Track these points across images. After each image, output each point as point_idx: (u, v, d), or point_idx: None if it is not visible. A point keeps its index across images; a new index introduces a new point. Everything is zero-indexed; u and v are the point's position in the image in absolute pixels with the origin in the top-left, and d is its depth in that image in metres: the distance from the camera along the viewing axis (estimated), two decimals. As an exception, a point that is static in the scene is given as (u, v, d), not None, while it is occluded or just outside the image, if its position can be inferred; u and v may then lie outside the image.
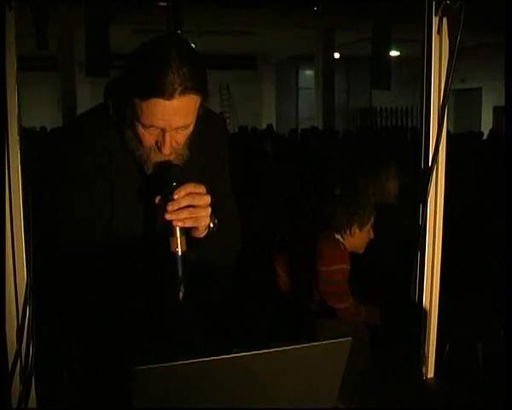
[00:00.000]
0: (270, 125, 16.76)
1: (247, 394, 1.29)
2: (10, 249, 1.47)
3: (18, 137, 1.45)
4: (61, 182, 1.78)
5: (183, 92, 1.57)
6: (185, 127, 1.67)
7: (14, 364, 1.48)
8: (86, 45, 12.38)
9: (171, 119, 1.61)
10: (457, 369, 2.11)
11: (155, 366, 1.17)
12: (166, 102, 1.57)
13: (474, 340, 2.24)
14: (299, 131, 14.49)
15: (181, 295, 1.72)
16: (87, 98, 18.85)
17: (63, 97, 15.29)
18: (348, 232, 3.24)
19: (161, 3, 12.34)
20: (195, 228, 1.68)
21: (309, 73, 21.57)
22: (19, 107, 1.46)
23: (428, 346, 2.05)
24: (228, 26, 15.39)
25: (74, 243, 1.75)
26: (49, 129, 13.09)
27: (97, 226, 1.76)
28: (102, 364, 1.79)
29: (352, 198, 3.33)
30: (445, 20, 1.88)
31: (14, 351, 1.48)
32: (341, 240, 3.24)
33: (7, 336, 1.46)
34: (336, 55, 18.16)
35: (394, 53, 16.68)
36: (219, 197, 1.72)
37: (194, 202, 1.64)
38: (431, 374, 2.07)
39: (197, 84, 1.61)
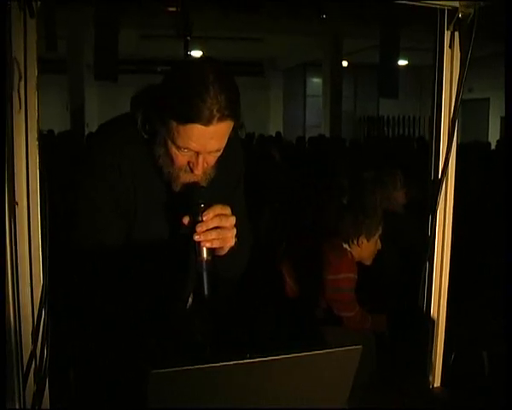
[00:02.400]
0: (278, 133, 16.78)
1: (257, 399, 1.31)
2: (27, 252, 1.49)
3: (37, 142, 1.47)
4: (81, 189, 1.80)
5: (220, 119, 1.59)
6: (218, 150, 1.70)
7: (29, 365, 1.50)
8: (95, 50, 12.40)
9: (207, 143, 1.63)
10: (463, 377, 2.12)
11: (170, 369, 1.19)
12: (204, 128, 1.59)
13: (480, 347, 2.26)
14: (307, 138, 14.48)
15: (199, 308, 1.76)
16: (95, 101, 18.90)
17: (71, 100, 15.29)
18: (355, 242, 3.25)
19: (170, 9, 12.36)
20: (220, 248, 1.70)
21: (316, 80, 21.53)
22: (38, 112, 1.48)
23: (435, 355, 2.07)
24: (236, 33, 15.41)
25: (89, 248, 1.76)
26: (56, 132, 13.11)
27: (115, 234, 1.78)
28: (113, 366, 1.81)
29: (360, 208, 3.34)
30: (456, 33, 1.90)
31: (28, 352, 1.50)
32: (349, 249, 3.26)
33: (22, 337, 1.48)
34: (344, 63, 18.16)
35: (402, 62, 16.66)
36: (235, 213, 1.73)
37: (222, 224, 1.66)
38: (437, 383, 2.08)
39: (233, 111, 1.62)
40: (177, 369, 1.19)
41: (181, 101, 1.59)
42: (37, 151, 1.47)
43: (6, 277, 1.43)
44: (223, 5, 12.95)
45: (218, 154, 1.72)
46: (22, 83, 1.44)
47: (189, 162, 1.69)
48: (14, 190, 1.44)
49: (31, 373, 1.50)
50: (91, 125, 14.72)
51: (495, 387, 2.10)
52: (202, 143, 1.63)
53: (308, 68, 22.37)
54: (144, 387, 1.18)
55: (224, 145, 1.70)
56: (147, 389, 1.18)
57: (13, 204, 1.43)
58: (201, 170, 1.69)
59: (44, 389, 1.54)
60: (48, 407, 1.56)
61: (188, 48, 12.47)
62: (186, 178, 1.72)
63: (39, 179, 1.48)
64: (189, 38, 11.18)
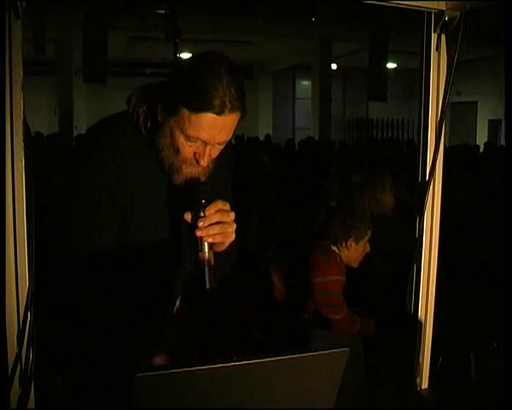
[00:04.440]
0: (267, 135, 16.81)
1: (244, 402, 1.31)
2: (13, 254, 1.48)
3: (22, 144, 1.46)
4: (77, 192, 1.78)
5: (231, 110, 1.63)
6: (225, 143, 1.73)
7: (14, 368, 1.49)
8: (84, 52, 12.38)
9: (217, 133, 1.66)
10: (451, 379, 2.13)
11: (155, 372, 1.18)
12: (216, 118, 1.63)
13: (467, 351, 2.27)
14: (296, 141, 14.49)
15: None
16: (83, 103, 18.86)
17: (60, 103, 15.22)
18: (344, 245, 3.25)
19: (159, 11, 12.36)
20: (220, 243, 1.72)
21: (306, 83, 21.61)
22: (24, 114, 1.47)
23: (423, 357, 2.07)
24: (225, 35, 15.42)
25: (87, 249, 1.75)
26: (45, 134, 13.06)
27: (107, 237, 1.77)
28: (100, 369, 1.81)
29: (349, 212, 3.34)
30: (443, 36, 1.91)
31: (14, 355, 1.49)
32: (337, 251, 3.26)
33: (7, 340, 1.47)
34: (333, 66, 18.22)
35: (391, 65, 16.74)
36: None
37: (223, 219, 1.68)
38: (425, 385, 2.09)
39: (242, 103, 1.66)
40: (162, 372, 1.19)
41: (195, 90, 1.62)
42: (23, 153, 1.46)
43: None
44: (212, 8, 12.96)
45: (222, 147, 1.74)
46: (7, 85, 1.43)
47: (195, 154, 1.71)
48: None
49: (16, 376, 1.49)
50: (80, 128, 14.69)
51: (482, 389, 2.11)
52: (212, 133, 1.66)
53: (297, 71, 22.43)
54: (130, 390, 1.18)
55: (230, 138, 1.74)
56: (132, 393, 1.18)
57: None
58: (207, 162, 1.72)
59: (30, 392, 1.53)
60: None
61: (177, 50, 12.47)
62: (188, 170, 1.74)
63: (25, 181, 1.47)
64: (178, 40, 11.18)
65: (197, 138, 1.67)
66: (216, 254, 1.72)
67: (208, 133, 1.65)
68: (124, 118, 1.81)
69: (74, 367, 1.89)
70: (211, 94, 1.60)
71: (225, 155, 1.95)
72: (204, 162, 1.71)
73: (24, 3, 1.42)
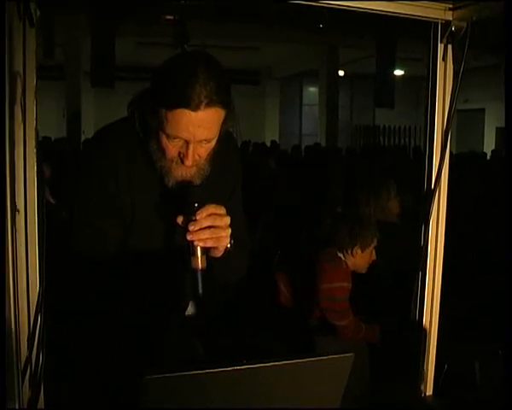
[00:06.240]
0: (274, 141, 16.82)
1: (250, 405, 1.32)
2: (24, 259, 1.50)
3: (35, 150, 1.49)
4: (79, 195, 1.82)
5: (208, 105, 1.60)
6: (208, 140, 1.69)
7: (25, 371, 1.51)
8: (92, 57, 12.43)
9: (196, 130, 1.63)
10: (455, 386, 2.14)
11: (164, 375, 1.20)
12: (192, 114, 1.60)
13: (472, 359, 2.27)
14: (303, 147, 14.49)
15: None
16: (91, 108, 18.89)
17: (68, 107, 15.27)
18: (350, 252, 3.26)
19: (167, 17, 12.39)
20: (215, 248, 1.70)
21: (313, 89, 21.59)
22: (36, 121, 1.50)
23: (427, 364, 2.08)
24: (233, 41, 15.44)
25: (87, 254, 1.78)
26: (53, 139, 13.08)
27: (112, 238, 1.79)
28: (109, 371, 1.82)
29: (356, 219, 3.35)
30: (449, 46, 1.92)
31: (25, 357, 1.51)
32: (343, 258, 3.27)
33: (20, 343, 1.49)
34: (340, 73, 18.22)
35: (398, 72, 16.74)
36: (232, 218, 1.72)
37: (216, 223, 1.65)
38: (429, 392, 2.09)
39: (222, 98, 1.63)
40: (171, 375, 1.20)
41: (169, 87, 1.61)
42: (35, 159, 1.49)
43: (7, 283, 1.44)
44: (220, 14, 12.99)
45: (209, 146, 1.72)
46: (21, 91, 1.46)
47: (179, 153, 1.69)
48: (14, 198, 1.45)
49: (26, 378, 1.51)
50: (88, 132, 14.73)
51: (487, 396, 2.12)
52: (191, 130, 1.63)
53: (304, 77, 22.38)
54: (138, 392, 1.20)
55: (214, 136, 1.70)
56: (141, 395, 1.19)
57: (14, 212, 1.45)
58: (192, 161, 1.69)
59: (39, 394, 1.55)
60: (43, 410, 1.58)
61: (185, 56, 12.43)
62: (178, 171, 1.72)
63: (37, 187, 1.50)
64: (186, 46, 11.19)
65: (177, 137, 1.65)
66: (217, 260, 1.73)
67: (186, 131, 1.63)
68: (125, 124, 1.82)
69: (83, 370, 1.91)
70: (183, 90, 1.59)
71: (233, 160, 1.96)
72: (188, 162, 1.68)
73: (38, 12, 1.44)
